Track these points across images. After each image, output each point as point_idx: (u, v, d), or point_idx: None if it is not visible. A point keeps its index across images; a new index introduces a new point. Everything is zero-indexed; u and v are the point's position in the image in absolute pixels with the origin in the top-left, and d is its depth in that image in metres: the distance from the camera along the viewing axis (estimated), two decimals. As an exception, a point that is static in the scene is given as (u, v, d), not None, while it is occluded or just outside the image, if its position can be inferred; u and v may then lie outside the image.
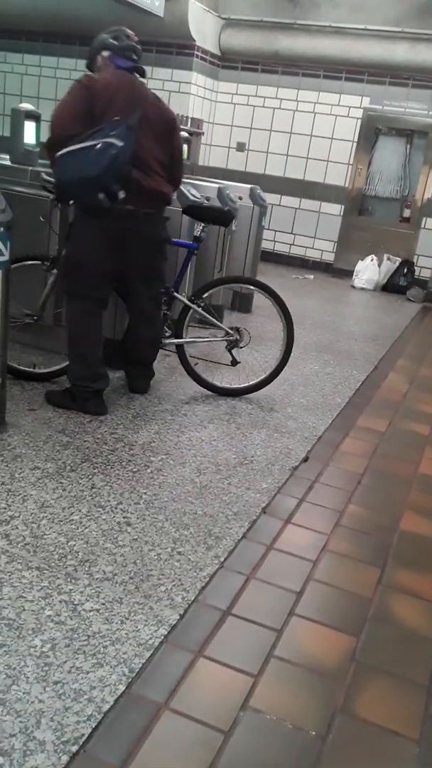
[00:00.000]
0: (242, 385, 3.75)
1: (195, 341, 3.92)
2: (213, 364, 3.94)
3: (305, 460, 3.04)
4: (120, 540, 2.22)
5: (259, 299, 3.74)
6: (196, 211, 3.65)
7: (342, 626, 1.95)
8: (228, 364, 3.71)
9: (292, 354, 3.69)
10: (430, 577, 2.26)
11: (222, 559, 2.19)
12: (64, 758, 1.40)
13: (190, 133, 6.12)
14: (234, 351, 3.67)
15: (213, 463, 2.88)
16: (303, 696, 1.67)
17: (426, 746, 1.57)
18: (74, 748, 1.43)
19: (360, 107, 8.20)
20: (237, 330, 3.66)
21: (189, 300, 3.57)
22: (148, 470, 2.73)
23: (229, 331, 3.65)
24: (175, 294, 3.56)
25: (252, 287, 3.89)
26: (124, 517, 2.36)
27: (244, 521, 2.45)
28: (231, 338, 3.64)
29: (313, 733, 1.56)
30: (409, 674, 1.80)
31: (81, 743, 1.44)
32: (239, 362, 3.72)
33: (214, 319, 3.63)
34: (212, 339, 3.88)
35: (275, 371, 3.69)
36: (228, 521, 2.43)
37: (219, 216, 3.66)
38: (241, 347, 3.66)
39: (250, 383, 3.74)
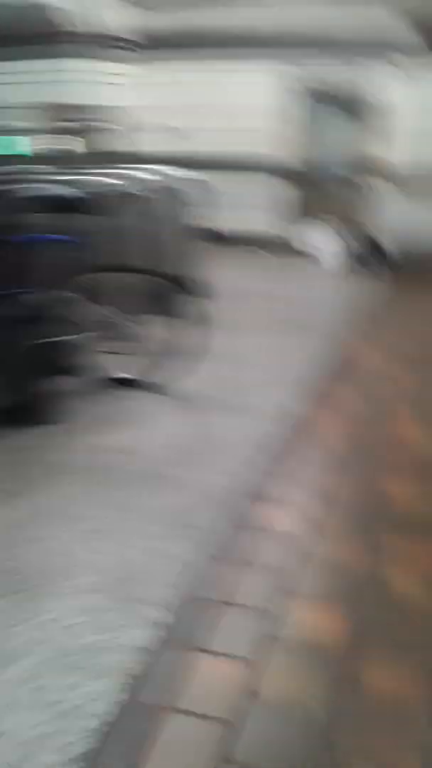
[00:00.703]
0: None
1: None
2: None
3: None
4: (99, 548, 2.17)
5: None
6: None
7: (336, 600, 1.95)
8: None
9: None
10: (419, 542, 2.26)
11: (206, 549, 2.16)
12: (74, 778, 1.37)
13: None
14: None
15: (183, 453, 2.84)
16: (306, 675, 1.66)
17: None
18: (83, 765, 1.39)
19: (289, 76, 8.14)
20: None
21: None
22: (118, 472, 2.68)
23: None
24: None
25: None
26: (99, 524, 2.30)
27: (223, 507, 2.42)
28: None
29: (321, 710, 1.55)
30: (408, 640, 1.80)
31: (89, 758, 1.40)
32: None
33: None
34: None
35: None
36: (206, 509, 2.40)
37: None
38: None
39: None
